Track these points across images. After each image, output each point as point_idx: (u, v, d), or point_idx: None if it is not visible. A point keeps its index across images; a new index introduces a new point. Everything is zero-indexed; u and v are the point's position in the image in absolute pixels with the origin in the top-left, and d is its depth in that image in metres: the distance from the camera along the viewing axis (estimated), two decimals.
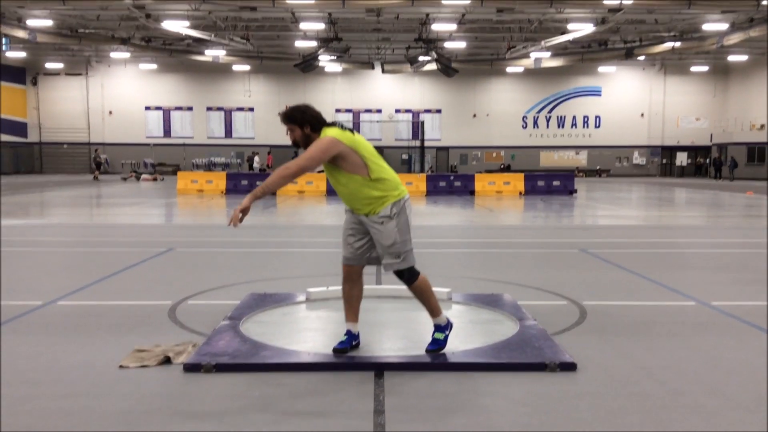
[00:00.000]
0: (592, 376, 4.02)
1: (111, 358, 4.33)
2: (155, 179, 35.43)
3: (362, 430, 3.26)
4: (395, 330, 5.08)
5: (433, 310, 4.46)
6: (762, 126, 42.21)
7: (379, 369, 4.12)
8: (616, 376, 4.04)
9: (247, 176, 26.95)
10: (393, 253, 4.30)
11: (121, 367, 4.17)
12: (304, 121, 4.28)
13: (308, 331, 5.18)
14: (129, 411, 3.47)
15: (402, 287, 4.53)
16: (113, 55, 41.06)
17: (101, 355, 4.41)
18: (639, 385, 3.89)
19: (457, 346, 4.53)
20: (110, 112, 45.69)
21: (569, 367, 4.11)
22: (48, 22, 32.14)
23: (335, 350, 4.37)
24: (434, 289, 4.54)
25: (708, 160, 45.10)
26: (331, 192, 23.52)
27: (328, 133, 4.24)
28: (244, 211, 4.10)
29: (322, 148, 4.17)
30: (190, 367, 4.08)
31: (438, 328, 4.45)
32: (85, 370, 4.12)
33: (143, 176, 36.37)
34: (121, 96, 45.38)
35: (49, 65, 44.11)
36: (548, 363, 4.11)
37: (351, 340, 4.46)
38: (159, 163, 44.69)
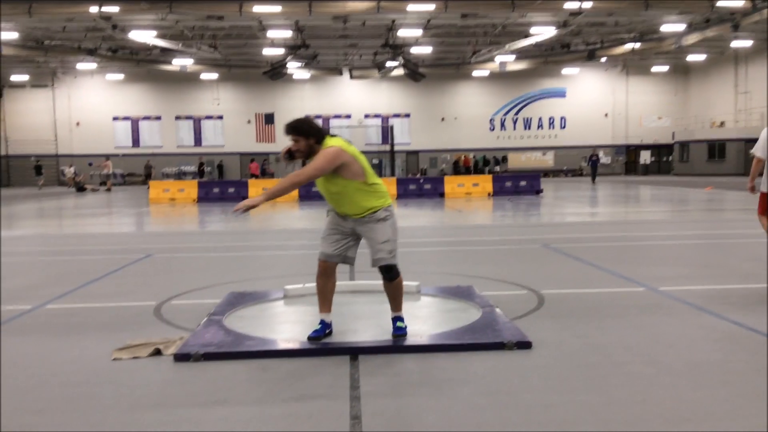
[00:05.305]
0: (546, 353, 4.47)
1: (104, 353, 4.64)
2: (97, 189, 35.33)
3: (341, 404, 3.65)
4: (368, 320, 5.47)
5: (399, 305, 4.95)
6: (722, 123, 43.49)
7: (354, 353, 4.52)
8: (566, 352, 4.49)
9: (219, 184, 27.12)
10: (386, 249, 4.76)
11: (114, 359, 4.50)
12: (310, 133, 4.61)
13: (287, 323, 5.56)
14: (127, 395, 3.82)
15: (373, 283, 4.90)
16: (80, 66, 40.94)
17: (94, 350, 4.72)
18: (586, 358, 4.35)
19: (425, 331, 4.95)
20: (78, 124, 45.51)
21: (525, 345, 4.55)
22: (13, 35, 32.02)
23: (310, 338, 4.77)
24: (404, 282, 5.00)
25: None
26: (304, 198, 23.59)
27: (333, 143, 4.60)
28: (253, 206, 4.42)
29: (329, 159, 4.51)
30: (180, 357, 4.43)
31: (400, 318, 4.93)
32: (80, 364, 4.44)
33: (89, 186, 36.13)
34: (89, 107, 45.24)
35: (15, 77, 43.79)
36: (506, 342, 4.55)
37: (324, 329, 4.87)
38: (128, 173, 44.58)
